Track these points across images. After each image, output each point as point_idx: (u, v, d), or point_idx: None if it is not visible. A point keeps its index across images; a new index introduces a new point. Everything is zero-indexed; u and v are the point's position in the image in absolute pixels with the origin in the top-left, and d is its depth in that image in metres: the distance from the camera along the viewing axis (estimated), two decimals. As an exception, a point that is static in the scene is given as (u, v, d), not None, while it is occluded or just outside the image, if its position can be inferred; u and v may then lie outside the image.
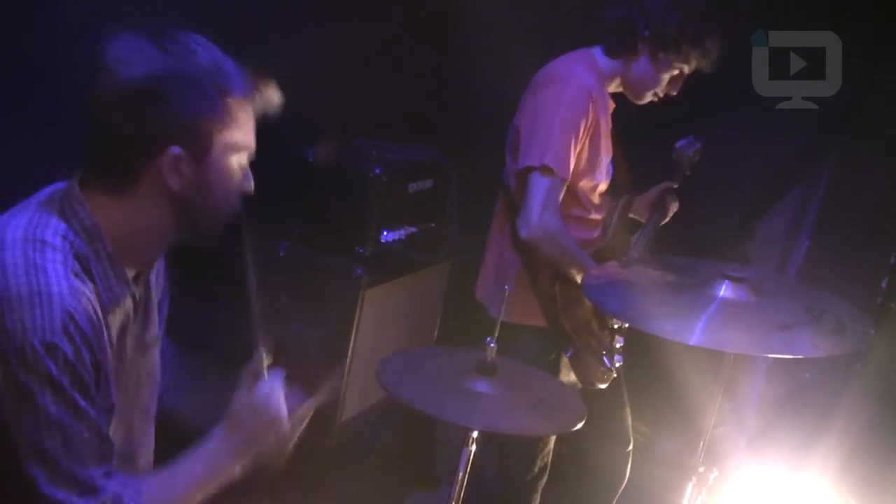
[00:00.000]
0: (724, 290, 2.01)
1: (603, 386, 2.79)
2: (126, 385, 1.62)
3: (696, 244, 3.45)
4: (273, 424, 1.69)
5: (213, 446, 1.64)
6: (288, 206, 2.97)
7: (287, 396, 1.73)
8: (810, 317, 1.96)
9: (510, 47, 3.11)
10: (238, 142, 1.55)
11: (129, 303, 1.57)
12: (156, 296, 1.74)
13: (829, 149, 3.88)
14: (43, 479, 1.38)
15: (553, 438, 2.88)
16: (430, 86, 3.89)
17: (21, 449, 1.37)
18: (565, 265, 2.62)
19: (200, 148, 1.50)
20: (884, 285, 3.62)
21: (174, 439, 1.74)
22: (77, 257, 1.46)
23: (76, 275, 1.44)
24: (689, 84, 3.05)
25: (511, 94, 2.79)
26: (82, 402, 1.40)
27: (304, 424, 1.76)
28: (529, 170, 2.55)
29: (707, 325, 1.91)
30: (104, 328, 1.48)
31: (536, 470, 2.85)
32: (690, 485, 2.20)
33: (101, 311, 1.47)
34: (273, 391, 1.71)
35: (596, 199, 2.79)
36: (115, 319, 1.54)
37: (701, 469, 2.19)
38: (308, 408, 1.77)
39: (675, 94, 2.76)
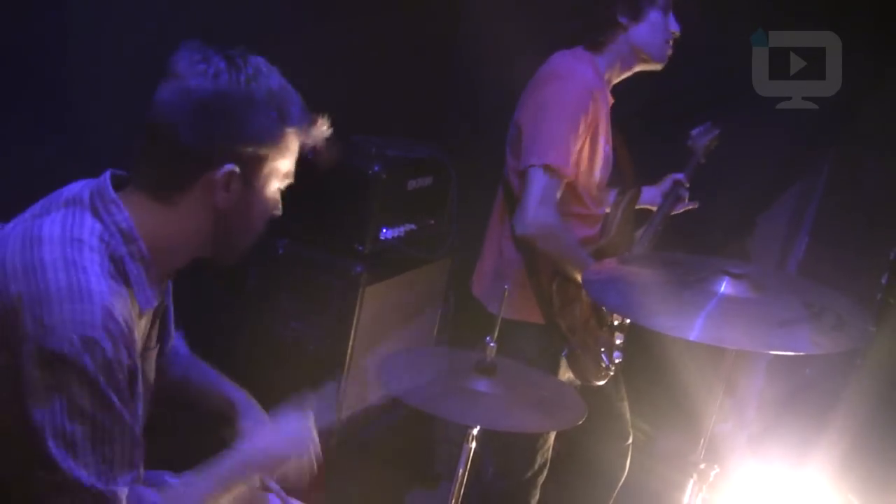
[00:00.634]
0: (725, 287, 2.01)
1: (601, 383, 2.79)
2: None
3: (696, 240, 3.45)
4: (297, 450, 1.72)
5: (234, 464, 1.66)
6: (287, 203, 2.96)
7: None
8: (810, 313, 1.96)
9: (511, 43, 3.11)
10: (285, 170, 1.59)
11: (155, 307, 1.58)
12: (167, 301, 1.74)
13: (828, 145, 3.88)
14: (68, 464, 1.36)
15: (553, 435, 2.88)
16: (430, 82, 3.88)
17: (48, 442, 1.35)
18: (563, 262, 2.62)
19: (253, 170, 1.53)
20: (883, 281, 3.63)
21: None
22: (113, 259, 1.46)
23: (112, 276, 1.44)
24: (691, 81, 3.06)
25: (512, 90, 2.79)
26: (117, 403, 1.40)
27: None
28: (531, 167, 2.55)
29: (707, 322, 1.90)
30: (135, 332, 1.48)
31: (536, 467, 2.86)
32: (691, 481, 2.20)
33: (137, 314, 1.48)
34: (305, 420, 1.74)
35: (596, 194, 2.79)
36: (142, 324, 1.55)
37: (702, 466, 2.19)
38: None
39: (678, 32, 2.75)
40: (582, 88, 2.58)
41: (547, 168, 2.53)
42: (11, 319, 1.36)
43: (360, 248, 3.06)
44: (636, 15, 2.68)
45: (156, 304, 1.55)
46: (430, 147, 3.45)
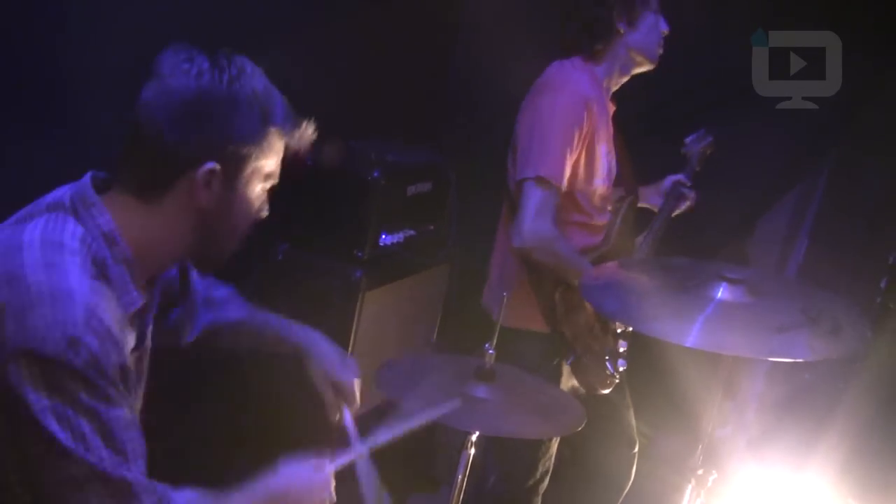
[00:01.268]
0: (722, 292, 2.01)
1: (606, 391, 2.78)
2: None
3: (695, 243, 3.45)
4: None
5: (256, 493, 1.65)
6: (286, 208, 2.96)
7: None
8: (807, 318, 1.95)
9: (510, 48, 3.12)
10: (268, 170, 1.59)
11: (142, 310, 1.58)
12: (157, 301, 1.74)
13: (827, 148, 3.88)
14: (85, 456, 1.37)
15: (555, 443, 2.88)
16: (430, 88, 3.88)
17: (59, 436, 1.35)
18: (563, 272, 2.62)
19: (235, 169, 1.53)
20: (883, 285, 3.63)
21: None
22: (95, 262, 1.46)
23: (94, 277, 1.44)
24: (690, 83, 3.06)
25: (511, 95, 2.79)
26: (114, 394, 1.40)
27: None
28: (525, 181, 2.56)
29: (704, 327, 1.90)
30: (123, 331, 1.48)
31: (538, 475, 2.85)
32: (689, 487, 2.20)
33: (121, 314, 1.48)
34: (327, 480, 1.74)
35: (598, 202, 2.78)
36: (130, 325, 1.55)
37: (700, 471, 2.19)
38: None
39: (667, 31, 2.76)
40: (576, 99, 2.58)
41: (540, 180, 2.54)
42: None
43: (360, 253, 3.06)
44: (633, 21, 2.69)
45: (141, 304, 1.55)
46: (429, 152, 3.46)
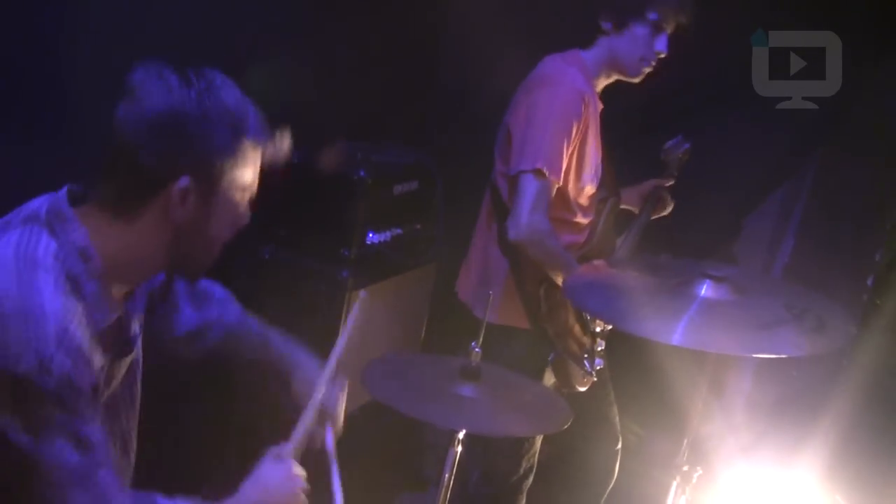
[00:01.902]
0: (706, 290, 2.01)
1: (582, 389, 2.79)
2: (115, 407, 1.63)
3: (682, 243, 3.46)
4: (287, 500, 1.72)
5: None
6: (272, 208, 2.96)
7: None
8: (791, 315, 1.96)
9: (496, 48, 3.12)
10: (244, 182, 1.58)
11: (118, 323, 1.58)
12: (141, 306, 1.74)
13: (813, 146, 3.89)
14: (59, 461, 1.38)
15: (539, 440, 2.88)
16: (416, 87, 3.88)
17: (38, 457, 1.37)
18: (551, 268, 2.62)
19: (209, 183, 1.53)
20: (869, 283, 3.64)
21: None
22: (69, 277, 1.45)
23: (67, 294, 1.44)
24: (676, 84, 3.05)
25: (497, 94, 2.79)
26: (86, 411, 1.41)
27: None
28: (522, 173, 2.55)
29: (689, 326, 1.91)
30: (94, 350, 1.48)
31: (522, 471, 2.86)
32: (674, 484, 2.21)
33: (93, 331, 1.47)
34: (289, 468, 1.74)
35: (584, 201, 2.79)
36: (105, 341, 1.54)
37: (685, 468, 2.19)
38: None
39: (664, 54, 2.71)
40: (574, 94, 2.59)
41: (538, 173, 2.53)
42: None
43: (347, 252, 3.06)
44: (619, 24, 2.67)
45: (114, 319, 1.55)
46: (415, 152, 3.46)
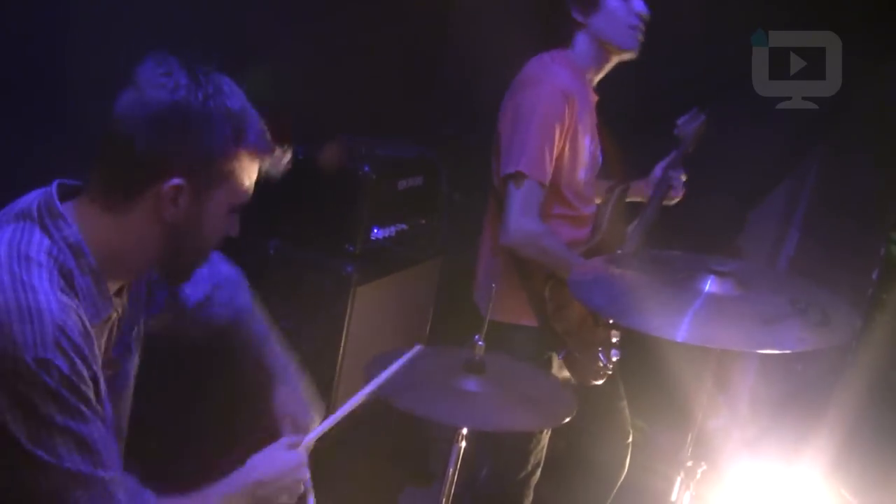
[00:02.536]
0: (710, 285, 2.01)
1: (598, 382, 2.77)
2: (109, 401, 1.64)
3: (686, 237, 3.45)
4: (288, 488, 1.73)
5: (226, 491, 1.66)
6: (277, 203, 2.97)
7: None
8: (796, 310, 1.96)
9: (501, 42, 3.11)
10: (238, 189, 1.57)
11: (113, 317, 1.58)
12: (137, 309, 1.74)
13: (818, 140, 3.88)
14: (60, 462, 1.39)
15: (547, 435, 2.88)
16: (420, 82, 3.88)
17: (38, 457, 1.37)
18: (552, 267, 2.62)
19: (202, 185, 1.52)
20: (874, 277, 3.63)
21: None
22: (62, 274, 1.45)
23: (63, 290, 1.43)
24: (681, 77, 3.05)
25: (501, 89, 2.78)
26: (86, 411, 1.41)
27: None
28: (508, 177, 2.56)
29: (693, 321, 1.90)
30: (94, 341, 1.48)
31: (530, 467, 2.85)
32: (679, 479, 2.20)
33: (88, 327, 1.47)
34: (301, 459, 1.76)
35: (583, 193, 2.78)
36: (100, 334, 1.54)
37: (689, 463, 2.19)
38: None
39: (646, 13, 2.67)
40: (555, 93, 2.57)
41: (522, 176, 2.54)
42: None
43: (351, 248, 3.06)
44: (588, 9, 2.65)
45: (109, 314, 1.55)
46: (420, 147, 3.46)
